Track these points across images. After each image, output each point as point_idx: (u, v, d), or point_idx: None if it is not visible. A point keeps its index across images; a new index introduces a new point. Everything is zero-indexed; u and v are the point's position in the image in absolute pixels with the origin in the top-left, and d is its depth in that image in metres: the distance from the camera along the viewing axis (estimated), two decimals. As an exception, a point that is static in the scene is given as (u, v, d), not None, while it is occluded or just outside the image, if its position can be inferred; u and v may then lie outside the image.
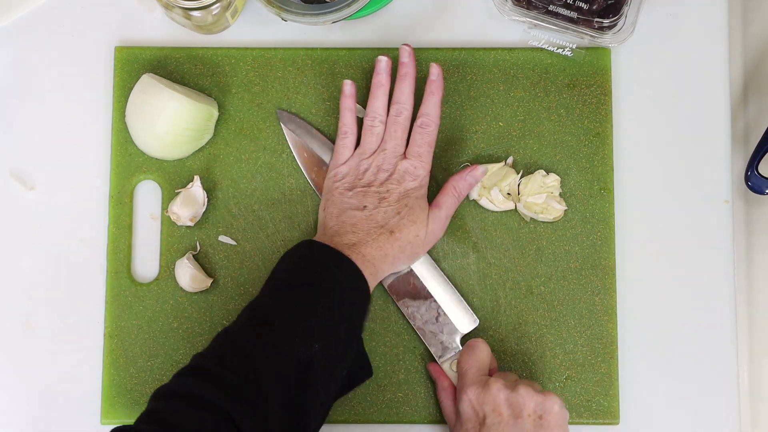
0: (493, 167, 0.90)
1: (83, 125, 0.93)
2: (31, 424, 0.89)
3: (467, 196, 0.90)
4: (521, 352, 0.89)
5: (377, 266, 0.82)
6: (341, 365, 0.79)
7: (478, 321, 0.88)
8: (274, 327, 0.76)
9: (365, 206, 0.84)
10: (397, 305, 0.89)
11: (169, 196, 0.91)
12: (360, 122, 0.89)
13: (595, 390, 0.88)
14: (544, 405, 0.79)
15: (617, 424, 0.89)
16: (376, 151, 0.87)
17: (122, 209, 0.91)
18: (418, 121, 0.86)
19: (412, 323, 0.88)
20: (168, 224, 0.91)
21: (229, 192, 0.91)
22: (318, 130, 0.91)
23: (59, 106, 0.93)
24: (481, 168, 0.88)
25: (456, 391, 0.84)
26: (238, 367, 0.73)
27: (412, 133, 0.86)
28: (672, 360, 0.90)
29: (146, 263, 0.91)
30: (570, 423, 0.88)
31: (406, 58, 0.87)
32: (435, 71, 0.87)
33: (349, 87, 0.88)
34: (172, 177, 0.91)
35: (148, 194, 0.92)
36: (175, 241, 0.90)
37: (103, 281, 0.90)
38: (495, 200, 0.89)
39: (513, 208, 0.90)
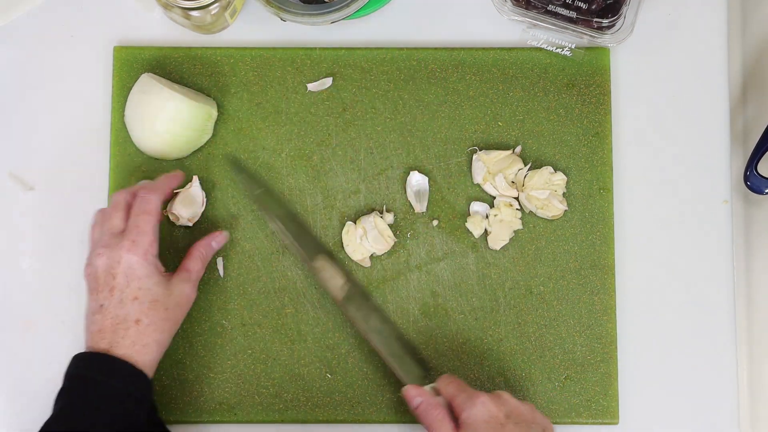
0: (501, 154, 0.90)
1: (83, 125, 0.93)
2: (30, 425, 0.89)
3: (472, 180, 0.90)
4: (521, 352, 0.89)
5: (142, 361, 0.79)
6: None
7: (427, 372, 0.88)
8: None
9: (101, 305, 0.80)
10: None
11: (168, 196, 0.91)
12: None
13: (594, 390, 0.88)
14: (545, 422, 0.81)
15: (617, 423, 0.89)
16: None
17: (121, 209, 0.91)
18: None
19: (382, 354, 0.87)
20: (167, 224, 0.91)
21: (228, 192, 0.91)
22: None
23: (59, 106, 0.93)
24: (223, 234, 0.89)
25: (456, 403, 0.81)
26: None
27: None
28: (671, 360, 0.90)
29: (145, 263, 0.91)
30: (569, 423, 0.88)
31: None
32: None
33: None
34: (172, 177, 0.91)
35: (147, 194, 0.92)
36: (174, 241, 0.90)
37: (103, 281, 0.90)
38: (498, 186, 0.89)
39: (515, 196, 0.90)
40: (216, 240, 0.88)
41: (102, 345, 0.79)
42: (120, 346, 0.79)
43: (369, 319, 0.88)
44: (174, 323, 0.83)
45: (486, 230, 0.90)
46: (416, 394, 0.83)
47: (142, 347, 0.80)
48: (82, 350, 0.81)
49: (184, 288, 0.84)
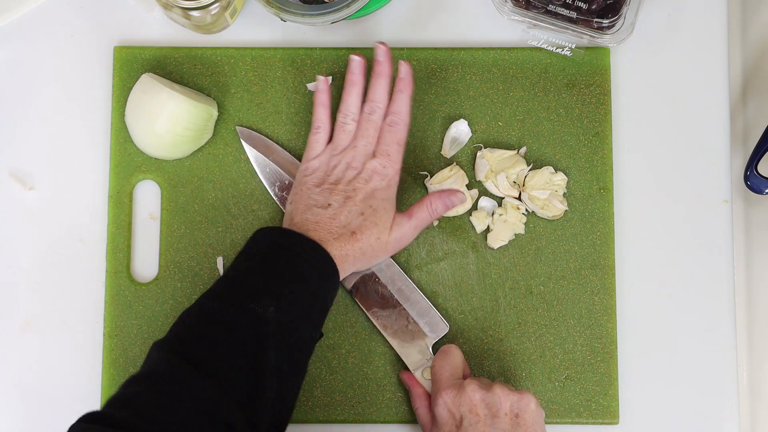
0: (505, 153, 0.90)
1: (83, 125, 0.93)
2: (30, 424, 0.89)
3: (474, 177, 0.90)
4: (521, 352, 0.89)
5: (338, 265, 0.81)
6: (306, 341, 0.79)
7: (448, 327, 0.88)
8: (247, 310, 0.76)
9: (330, 204, 0.83)
10: (367, 315, 0.89)
11: (168, 196, 0.91)
12: (334, 118, 0.88)
13: (594, 390, 0.88)
14: (520, 403, 0.79)
15: (617, 423, 0.89)
16: (347, 148, 0.86)
17: (122, 209, 0.91)
18: (387, 119, 0.86)
19: (383, 333, 0.88)
20: (167, 224, 0.91)
21: (229, 192, 0.91)
22: (279, 145, 0.91)
23: (59, 106, 0.93)
24: (461, 195, 0.87)
25: (431, 397, 0.84)
26: (196, 353, 0.73)
27: (381, 132, 0.86)
28: (672, 360, 0.90)
29: (146, 263, 0.91)
30: (569, 423, 0.88)
31: (382, 57, 0.86)
32: (404, 69, 0.86)
33: (322, 83, 0.88)
34: (172, 177, 0.91)
35: (147, 194, 0.92)
36: (175, 241, 0.90)
37: (103, 281, 0.90)
38: (500, 186, 0.89)
39: (516, 195, 0.90)
40: (450, 198, 0.86)
41: (312, 236, 0.81)
42: (327, 244, 0.81)
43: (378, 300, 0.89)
44: (373, 256, 0.84)
45: (489, 227, 0.90)
46: (405, 382, 0.87)
47: (342, 256, 0.81)
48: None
49: (401, 230, 0.84)
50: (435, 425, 0.81)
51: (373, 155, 0.85)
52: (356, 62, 0.87)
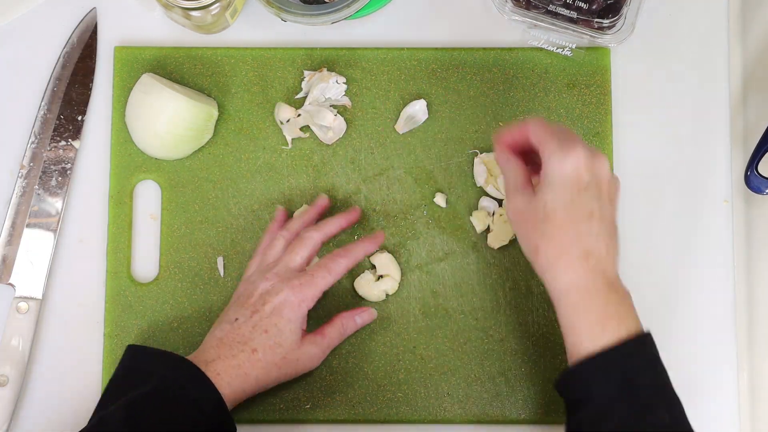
0: None
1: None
2: (30, 425, 0.89)
3: (473, 180, 0.90)
4: (521, 352, 0.89)
5: (233, 386, 0.79)
6: None
7: None
8: None
9: (237, 318, 0.82)
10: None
11: (168, 196, 0.91)
12: None
13: (594, 390, 0.88)
14: (612, 191, 0.79)
15: (617, 423, 0.89)
16: (274, 261, 0.85)
17: (122, 209, 0.91)
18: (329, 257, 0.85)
19: None
20: (168, 224, 0.91)
21: (229, 192, 0.91)
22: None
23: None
24: (370, 311, 0.88)
25: (540, 150, 0.77)
26: None
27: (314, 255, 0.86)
28: (672, 361, 0.90)
29: (146, 263, 0.91)
30: (570, 423, 0.88)
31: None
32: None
33: (280, 213, 0.89)
34: (172, 177, 0.91)
35: (147, 194, 0.92)
36: (175, 241, 0.90)
37: (103, 281, 0.90)
38: (501, 188, 0.89)
39: None
40: (361, 316, 0.87)
41: (210, 354, 0.80)
42: (222, 362, 0.79)
43: None
44: (283, 375, 0.82)
45: (489, 227, 0.90)
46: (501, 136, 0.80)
47: (241, 374, 0.80)
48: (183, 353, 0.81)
49: (312, 349, 0.83)
50: (546, 183, 0.75)
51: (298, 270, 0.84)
52: (321, 202, 0.88)
